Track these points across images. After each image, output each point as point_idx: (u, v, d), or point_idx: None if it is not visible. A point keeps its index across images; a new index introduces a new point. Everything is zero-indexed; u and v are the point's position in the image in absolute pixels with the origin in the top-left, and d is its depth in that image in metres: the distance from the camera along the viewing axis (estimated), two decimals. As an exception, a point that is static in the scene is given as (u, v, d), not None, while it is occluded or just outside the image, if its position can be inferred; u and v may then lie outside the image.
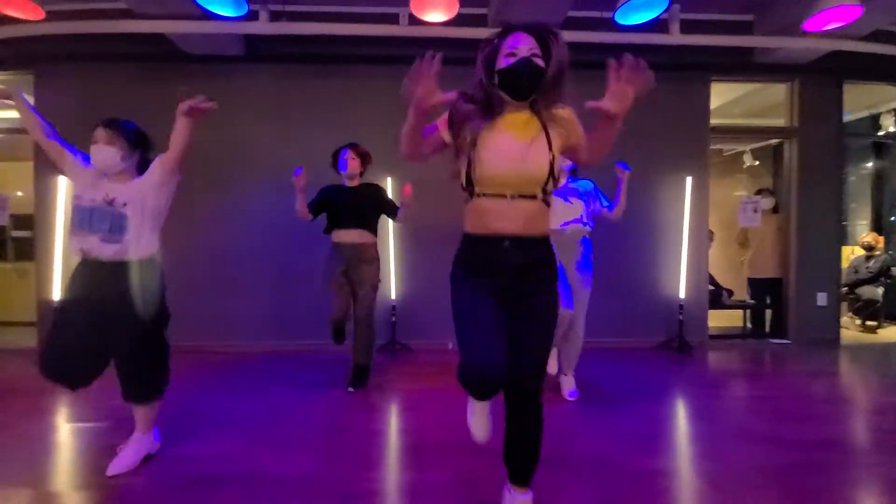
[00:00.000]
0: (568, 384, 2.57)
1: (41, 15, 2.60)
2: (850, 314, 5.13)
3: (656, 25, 3.24)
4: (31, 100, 3.78)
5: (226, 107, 3.72)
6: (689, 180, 3.78)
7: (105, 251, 1.61)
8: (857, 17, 2.73)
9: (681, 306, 3.80)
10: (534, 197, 1.24)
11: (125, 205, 1.64)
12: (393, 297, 3.67)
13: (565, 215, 2.43)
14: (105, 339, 1.59)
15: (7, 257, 5.46)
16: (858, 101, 5.06)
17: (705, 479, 1.72)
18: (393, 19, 3.59)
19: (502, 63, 1.22)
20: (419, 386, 2.86)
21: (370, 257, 2.75)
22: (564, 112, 1.28)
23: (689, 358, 3.63)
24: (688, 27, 3.59)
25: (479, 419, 1.33)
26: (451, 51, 3.94)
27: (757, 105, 5.01)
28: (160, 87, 3.73)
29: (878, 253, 5.02)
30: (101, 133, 1.66)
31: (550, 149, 1.23)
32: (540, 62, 1.21)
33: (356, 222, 2.70)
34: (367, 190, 2.79)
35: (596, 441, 2.06)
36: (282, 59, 3.72)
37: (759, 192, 4.32)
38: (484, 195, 1.24)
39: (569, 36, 3.31)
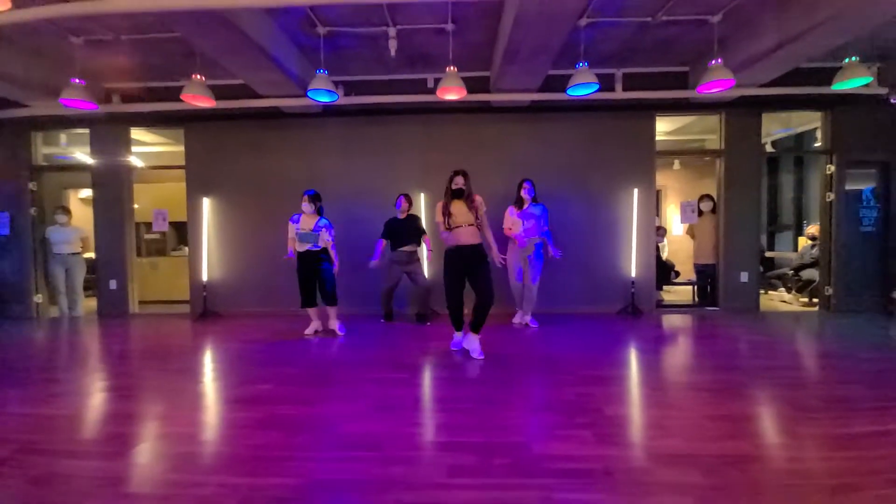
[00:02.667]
0: (527, 318, 4.66)
1: (213, 103, 4.32)
2: (794, 292, 6.37)
3: (604, 82, 4.66)
4: (181, 147, 5.62)
5: (308, 147, 5.47)
6: (636, 191, 5.20)
7: (311, 249, 4.14)
8: (731, 85, 4.05)
9: (633, 282, 5.23)
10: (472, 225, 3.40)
11: (319, 231, 4.16)
12: (426, 276, 5.28)
13: (527, 229, 4.39)
14: (316, 280, 4.23)
15: (142, 253, 7.41)
16: (804, 118, 6.28)
17: (627, 381, 3.23)
18: (423, 83, 5.19)
19: (452, 187, 3.43)
20: (445, 330, 4.47)
21: (416, 259, 4.87)
22: (477, 199, 3.46)
23: (639, 320, 5.04)
24: (632, 80, 5.00)
25: (458, 336, 3.64)
26: (462, 104, 5.62)
27: (696, 129, 6.34)
28: (267, 133, 5.50)
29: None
30: (305, 198, 4.19)
31: (472, 211, 3.41)
32: (464, 186, 3.41)
33: (408, 240, 4.76)
34: (412, 220, 4.85)
35: (551, 348, 3.60)
36: (345, 113, 5.40)
37: (701, 197, 5.66)
38: (456, 227, 3.36)
39: (549, 96, 4.86)
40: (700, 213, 5.58)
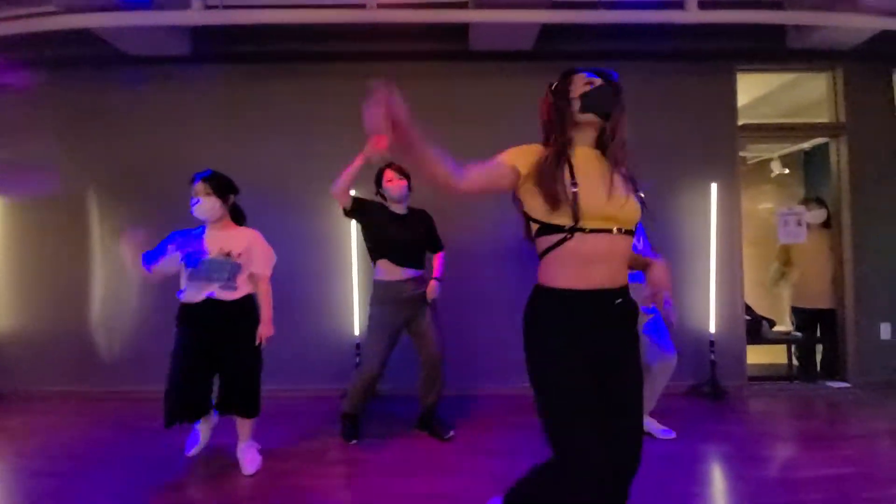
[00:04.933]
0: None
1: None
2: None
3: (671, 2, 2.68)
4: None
5: (172, 111, 3.29)
6: (713, 187, 3.14)
7: (215, 297, 1.94)
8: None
9: (712, 343, 3.11)
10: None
11: (239, 255, 1.98)
12: (356, 333, 3.06)
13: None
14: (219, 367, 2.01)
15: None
16: None
17: None
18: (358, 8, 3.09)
19: (584, 90, 1.19)
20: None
21: (425, 296, 2.36)
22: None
23: (724, 406, 2.95)
24: (708, 4, 3.01)
25: None
26: (426, 42, 3.38)
27: (790, 103, 4.35)
28: (100, 90, 3.31)
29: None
30: (200, 186, 1.94)
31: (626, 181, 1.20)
32: (614, 102, 1.18)
33: (414, 257, 2.34)
34: (420, 218, 2.42)
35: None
36: (232, 59, 3.26)
37: (805, 203, 3.61)
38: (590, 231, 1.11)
39: (572, 16, 2.71)
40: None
